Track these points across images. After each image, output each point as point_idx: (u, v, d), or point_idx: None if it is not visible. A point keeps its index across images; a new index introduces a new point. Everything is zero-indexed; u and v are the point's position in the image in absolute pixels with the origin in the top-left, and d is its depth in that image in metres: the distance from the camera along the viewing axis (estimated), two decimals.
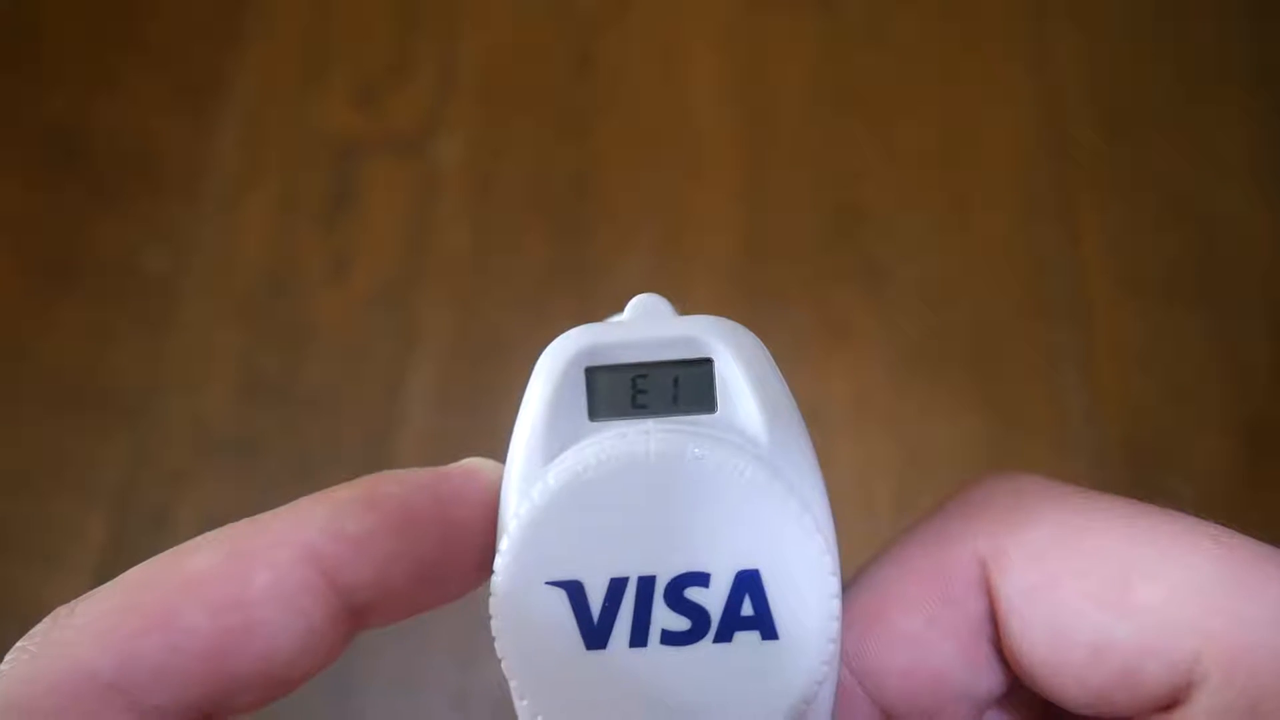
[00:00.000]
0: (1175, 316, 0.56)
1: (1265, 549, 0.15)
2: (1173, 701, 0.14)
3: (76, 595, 0.15)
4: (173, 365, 0.56)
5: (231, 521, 0.15)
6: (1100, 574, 0.15)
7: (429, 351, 0.56)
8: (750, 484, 0.15)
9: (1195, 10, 0.63)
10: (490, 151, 0.61)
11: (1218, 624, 0.14)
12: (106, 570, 0.51)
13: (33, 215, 0.60)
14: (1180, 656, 0.14)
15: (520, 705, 0.15)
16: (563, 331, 0.16)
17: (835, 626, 0.15)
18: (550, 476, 0.15)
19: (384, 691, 0.49)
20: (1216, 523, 0.15)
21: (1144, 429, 0.54)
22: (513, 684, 0.15)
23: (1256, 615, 0.14)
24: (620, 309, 0.17)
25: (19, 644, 0.14)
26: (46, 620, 0.14)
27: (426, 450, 0.54)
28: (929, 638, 0.16)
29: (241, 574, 0.14)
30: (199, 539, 0.15)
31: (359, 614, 0.15)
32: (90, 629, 0.14)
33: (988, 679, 0.16)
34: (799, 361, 0.56)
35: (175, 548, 0.15)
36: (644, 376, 0.16)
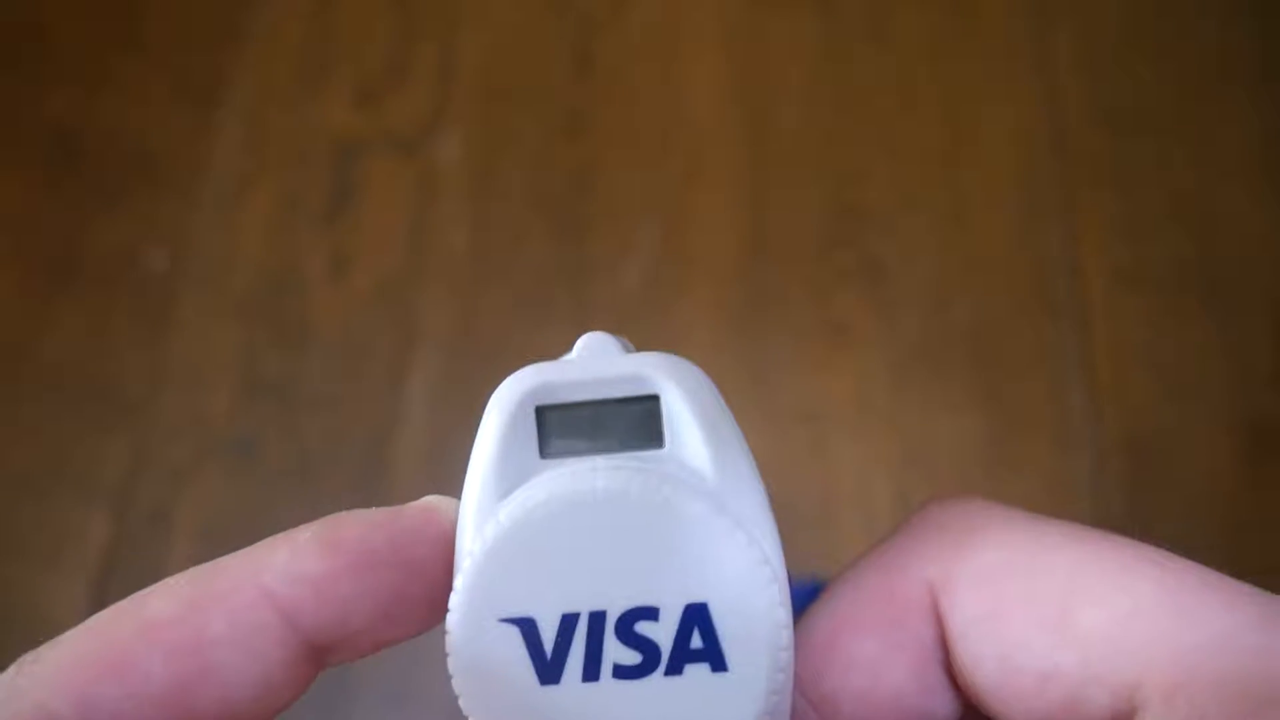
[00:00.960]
0: (1175, 316, 0.56)
1: (1209, 575, 0.15)
2: None
3: (76, 596, 0.15)
4: (173, 365, 0.56)
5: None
6: (1045, 600, 0.15)
7: (429, 351, 0.56)
8: (696, 518, 0.15)
9: (1196, 9, 0.63)
10: (490, 151, 0.61)
11: (1159, 651, 0.14)
12: (106, 570, 0.51)
13: (33, 215, 0.60)
14: (1123, 683, 0.14)
15: None
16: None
17: (784, 656, 0.15)
18: (501, 514, 0.15)
19: (376, 704, 0.49)
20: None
21: (1144, 429, 0.54)
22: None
23: (1197, 642, 0.14)
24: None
25: None
26: (12, 667, 0.15)
27: (426, 450, 0.54)
28: (883, 662, 0.16)
29: (199, 618, 0.14)
30: (161, 583, 0.15)
31: (320, 653, 0.15)
32: (50, 675, 0.14)
33: (942, 702, 0.16)
34: (799, 361, 0.56)
35: (138, 593, 0.15)
36: (592, 414, 0.16)
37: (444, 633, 0.15)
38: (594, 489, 0.15)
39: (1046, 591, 0.15)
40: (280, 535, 0.15)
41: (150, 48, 0.64)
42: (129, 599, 0.15)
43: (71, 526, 0.52)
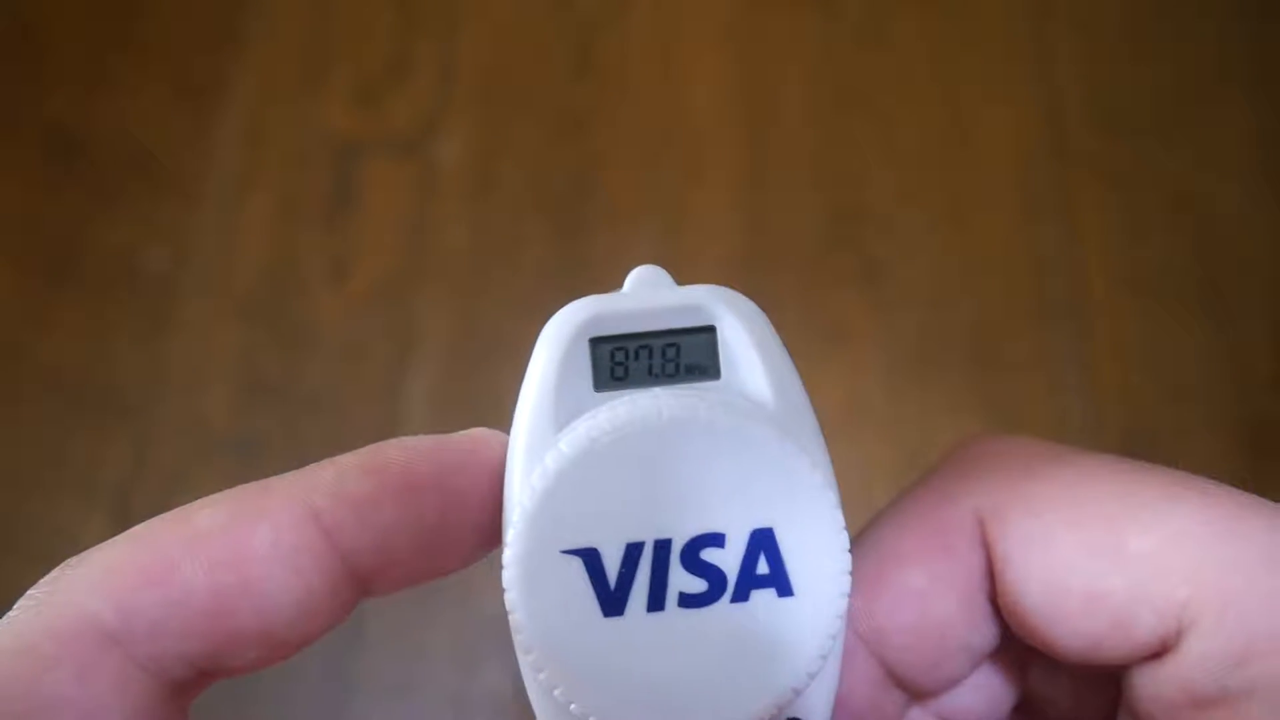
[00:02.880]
0: (1175, 316, 0.56)
1: (1250, 498, 0.15)
2: (1162, 648, 0.15)
3: None
4: (173, 365, 0.56)
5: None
6: (1094, 526, 0.15)
7: (429, 351, 0.56)
8: (761, 444, 0.15)
9: (1195, 10, 0.63)
10: (490, 151, 0.61)
11: (1207, 571, 0.14)
12: None
13: (33, 215, 0.60)
14: (1171, 603, 0.14)
15: (537, 679, 0.15)
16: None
17: (847, 581, 0.15)
18: (563, 444, 0.15)
19: (383, 696, 0.49)
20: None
21: (1144, 429, 0.54)
22: (529, 658, 0.15)
23: (1245, 560, 0.14)
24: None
25: (30, 591, 0.15)
26: (55, 570, 0.15)
27: None
28: (932, 593, 0.16)
29: (243, 532, 0.14)
30: (208, 498, 0.15)
31: (360, 580, 0.15)
32: (94, 580, 0.14)
33: (985, 631, 0.17)
34: (798, 361, 0.55)
35: (185, 505, 0.15)
36: (647, 346, 0.16)
37: (499, 567, 0.15)
38: (659, 416, 0.15)
39: (1094, 518, 0.15)
40: (326, 460, 0.15)
41: (150, 48, 0.64)
42: (174, 511, 0.15)
43: (71, 526, 0.52)
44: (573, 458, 0.15)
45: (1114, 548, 0.15)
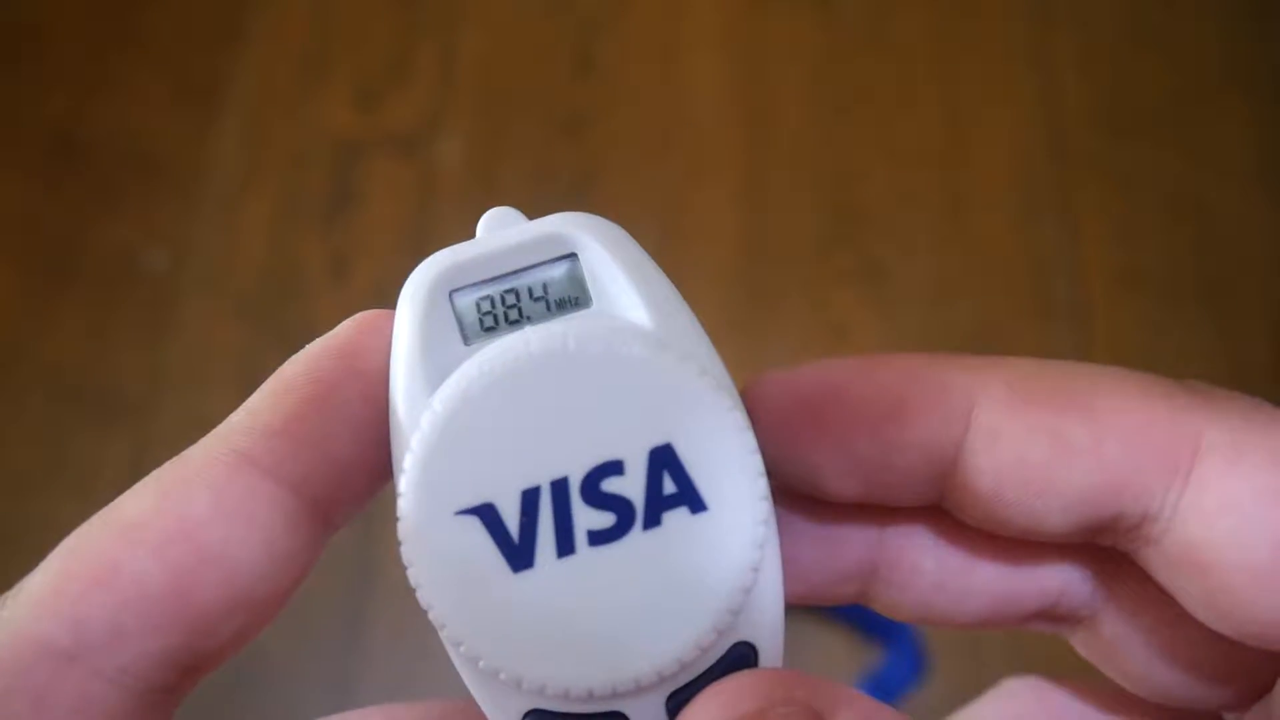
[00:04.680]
0: (1175, 316, 0.56)
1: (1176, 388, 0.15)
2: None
3: None
4: (173, 365, 0.56)
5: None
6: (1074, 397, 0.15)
7: None
8: (640, 360, 0.14)
9: (1195, 10, 0.63)
10: (490, 151, 0.61)
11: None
12: None
13: (33, 215, 0.60)
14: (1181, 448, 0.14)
15: (442, 634, 0.14)
16: None
17: (763, 484, 0.14)
18: (436, 403, 0.14)
19: (384, 696, 0.49)
20: None
21: None
22: (431, 614, 0.14)
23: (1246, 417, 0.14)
24: None
25: None
26: None
27: None
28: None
29: (179, 502, 0.13)
30: (130, 490, 0.14)
31: (319, 510, 0.14)
32: (33, 600, 0.13)
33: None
34: (798, 361, 0.55)
35: (108, 506, 0.14)
36: (512, 290, 0.15)
37: (394, 525, 0.14)
38: (529, 353, 0.14)
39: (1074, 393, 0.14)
40: (235, 412, 0.14)
41: (150, 48, 0.64)
42: (98, 513, 0.14)
43: (72, 527, 0.52)
44: (448, 415, 0.14)
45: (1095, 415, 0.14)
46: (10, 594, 0.14)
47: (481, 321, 0.15)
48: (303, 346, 0.15)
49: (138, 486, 0.14)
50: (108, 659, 0.13)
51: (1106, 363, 0.16)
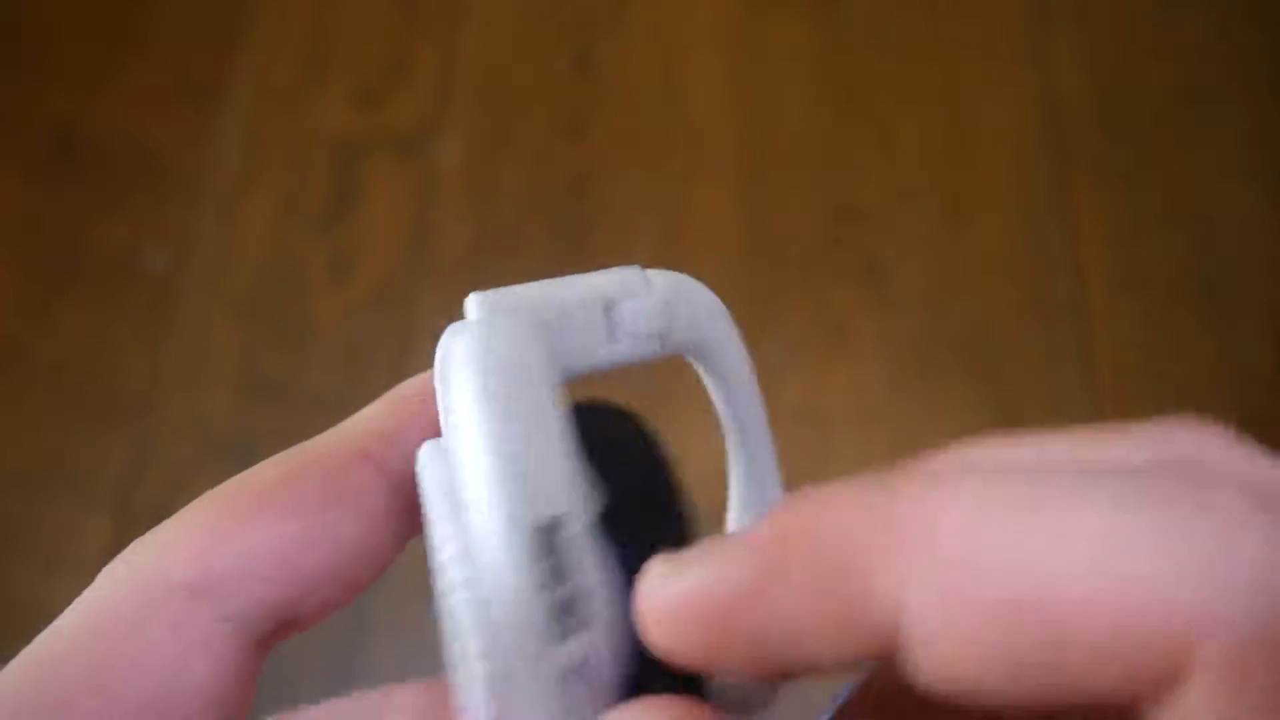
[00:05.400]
0: (1175, 316, 0.56)
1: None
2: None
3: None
4: (173, 365, 0.56)
5: None
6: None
7: (429, 352, 0.56)
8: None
9: (1196, 10, 0.63)
10: (490, 151, 0.61)
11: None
12: None
13: (33, 215, 0.60)
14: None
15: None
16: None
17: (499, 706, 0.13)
18: None
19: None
20: None
21: None
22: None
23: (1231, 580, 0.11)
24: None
25: (108, 566, 0.16)
26: (134, 544, 0.16)
27: None
28: None
29: (304, 483, 0.16)
30: (267, 461, 0.17)
31: (412, 511, 0.16)
32: (169, 543, 0.15)
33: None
34: (798, 361, 0.56)
35: (248, 470, 0.16)
36: None
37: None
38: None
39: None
40: (361, 411, 0.17)
41: (150, 48, 0.64)
42: (241, 474, 0.16)
43: (71, 526, 0.52)
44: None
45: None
46: (143, 539, 0.16)
47: None
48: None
49: (265, 464, 0.16)
50: (230, 603, 0.15)
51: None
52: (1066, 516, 0.11)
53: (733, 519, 0.18)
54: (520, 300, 0.16)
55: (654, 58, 0.63)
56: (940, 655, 0.12)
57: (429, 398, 0.16)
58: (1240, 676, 0.11)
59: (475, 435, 0.14)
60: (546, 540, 0.13)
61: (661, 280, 0.16)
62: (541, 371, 0.14)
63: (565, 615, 0.13)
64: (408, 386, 0.17)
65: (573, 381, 0.16)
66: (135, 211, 0.60)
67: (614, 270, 0.16)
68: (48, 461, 0.54)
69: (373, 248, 0.59)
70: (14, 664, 0.15)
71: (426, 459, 0.15)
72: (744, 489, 0.18)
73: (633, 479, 0.16)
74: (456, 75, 0.63)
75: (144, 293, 0.58)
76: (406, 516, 0.16)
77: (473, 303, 0.15)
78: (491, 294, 0.15)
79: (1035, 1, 0.63)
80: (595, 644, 0.13)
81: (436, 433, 0.16)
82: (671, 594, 0.13)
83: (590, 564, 0.13)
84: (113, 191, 0.60)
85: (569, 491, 0.13)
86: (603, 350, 0.16)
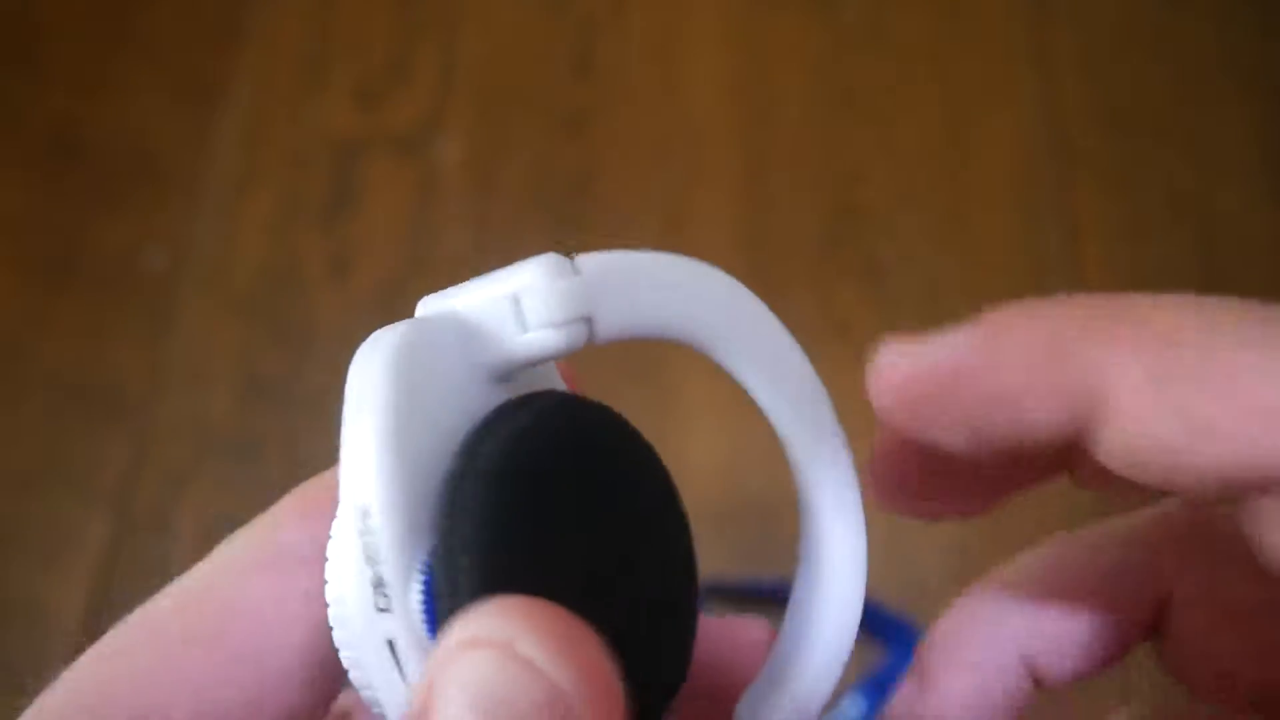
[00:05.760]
0: None
1: None
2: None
3: (76, 596, 0.15)
4: (173, 365, 0.56)
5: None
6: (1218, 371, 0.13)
7: None
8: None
9: (1195, 10, 0.63)
10: (490, 151, 0.61)
11: None
12: (106, 570, 0.51)
13: (33, 215, 0.60)
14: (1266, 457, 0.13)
15: None
16: None
17: (345, 653, 0.14)
18: None
19: None
20: None
21: None
22: None
23: None
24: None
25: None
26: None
27: None
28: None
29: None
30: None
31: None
32: (274, 522, 0.16)
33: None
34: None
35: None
36: None
37: None
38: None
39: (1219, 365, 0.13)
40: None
41: (150, 48, 0.64)
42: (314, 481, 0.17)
43: (71, 526, 0.52)
44: None
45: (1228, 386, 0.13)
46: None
47: None
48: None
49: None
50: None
51: None
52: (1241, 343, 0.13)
53: (806, 535, 0.18)
54: (445, 299, 0.16)
55: (654, 58, 0.63)
56: (1131, 427, 0.13)
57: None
58: None
59: (350, 416, 0.16)
60: (362, 523, 0.14)
61: (591, 263, 0.15)
62: (427, 369, 0.15)
63: (378, 593, 0.14)
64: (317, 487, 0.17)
65: (509, 379, 0.16)
66: (135, 211, 0.60)
67: (535, 259, 0.15)
68: (47, 461, 0.54)
69: (373, 247, 0.59)
70: (132, 616, 0.15)
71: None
72: (807, 494, 0.18)
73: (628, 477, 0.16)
74: (456, 75, 0.63)
75: (144, 293, 0.58)
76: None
77: (419, 306, 0.16)
78: (434, 296, 0.16)
79: (1035, 2, 0.63)
80: (395, 631, 0.14)
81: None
82: (909, 365, 0.15)
83: (392, 560, 0.14)
84: (113, 191, 0.60)
85: (378, 487, 0.14)
86: (518, 342, 0.15)
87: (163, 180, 0.60)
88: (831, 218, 0.59)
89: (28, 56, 0.64)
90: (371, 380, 0.16)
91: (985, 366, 0.14)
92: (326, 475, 0.16)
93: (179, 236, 0.59)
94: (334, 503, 0.15)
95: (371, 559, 0.14)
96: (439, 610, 0.14)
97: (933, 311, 0.57)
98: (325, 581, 0.14)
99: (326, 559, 0.14)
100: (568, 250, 0.15)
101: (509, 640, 0.12)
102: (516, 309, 0.15)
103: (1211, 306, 0.14)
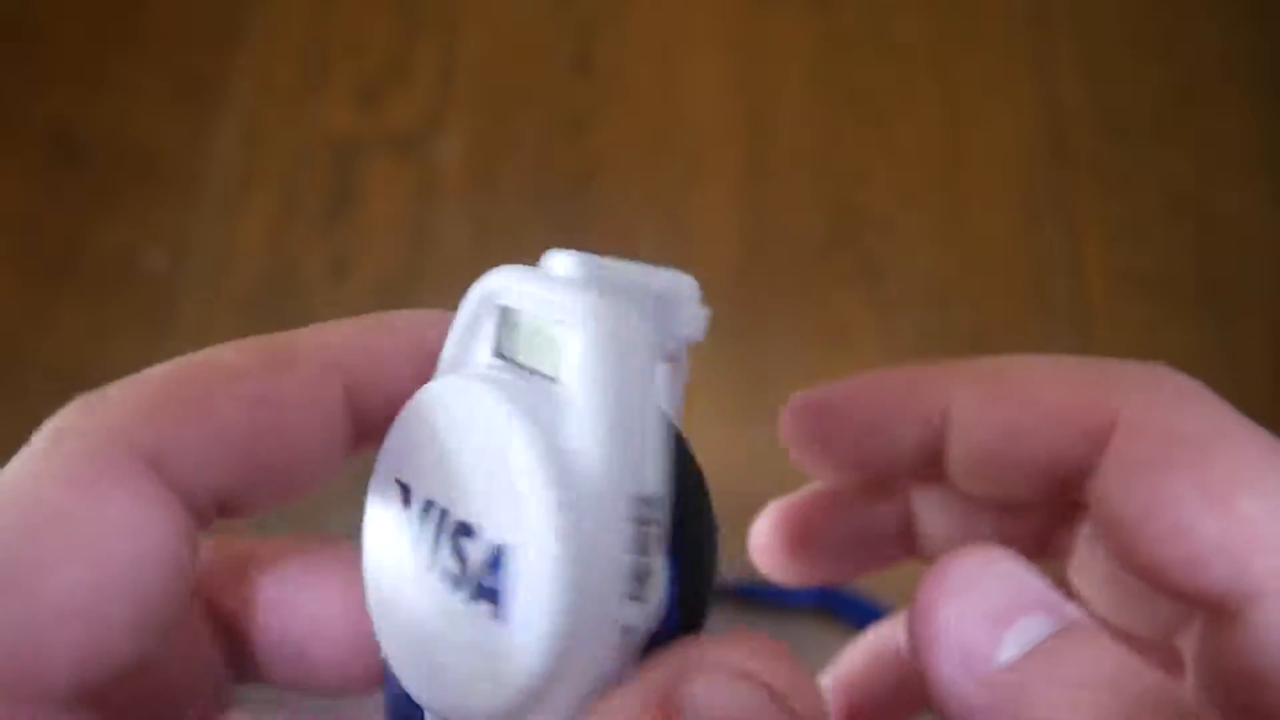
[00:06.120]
0: (1175, 316, 0.56)
1: None
2: (1221, 606, 0.15)
3: None
4: None
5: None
6: (1212, 478, 0.15)
7: None
8: (525, 450, 0.13)
9: (1196, 10, 0.63)
10: (490, 151, 0.61)
11: None
12: None
13: (33, 215, 0.60)
14: (1251, 564, 0.15)
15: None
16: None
17: (572, 621, 0.13)
18: (422, 390, 0.15)
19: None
20: None
21: None
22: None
23: None
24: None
25: (64, 414, 0.16)
26: (72, 406, 0.16)
27: None
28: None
29: (276, 377, 0.16)
30: (231, 344, 0.16)
31: (367, 434, 0.16)
32: (132, 407, 0.15)
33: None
34: (798, 361, 0.55)
35: (211, 347, 0.16)
36: (531, 328, 0.16)
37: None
38: (465, 386, 0.14)
39: (1219, 469, 0.15)
40: (344, 319, 0.17)
41: (150, 48, 0.64)
42: (202, 351, 0.16)
43: None
44: (416, 400, 0.15)
45: (1222, 499, 0.15)
46: (95, 397, 0.16)
47: (509, 342, 0.16)
48: None
49: (241, 342, 0.16)
50: (179, 477, 0.15)
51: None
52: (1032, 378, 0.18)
53: None
54: (615, 275, 0.16)
55: (654, 58, 0.63)
56: (966, 434, 0.17)
57: (420, 340, 0.16)
58: None
59: (603, 392, 0.14)
60: (641, 511, 0.14)
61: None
62: (650, 354, 0.15)
63: (636, 583, 0.14)
64: (399, 318, 0.16)
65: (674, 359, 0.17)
66: (135, 211, 0.60)
67: (677, 272, 0.17)
68: None
69: (373, 248, 0.59)
70: None
71: (514, 390, 0.14)
72: None
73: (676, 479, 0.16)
74: (456, 75, 0.63)
75: (144, 293, 0.58)
76: (359, 440, 0.16)
77: (570, 262, 0.15)
78: (583, 258, 0.16)
79: (1035, 2, 0.63)
80: (646, 619, 0.14)
81: (417, 375, 0.16)
82: (809, 399, 0.19)
83: (658, 550, 0.14)
84: (113, 191, 0.60)
85: (661, 476, 0.14)
86: (695, 325, 0.17)
87: (163, 180, 0.60)
88: (831, 218, 0.59)
89: (28, 56, 0.64)
90: (632, 349, 0.14)
91: (866, 399, 0.18)
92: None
93: (179, 236, 0.59)
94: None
95: (643, 549, 0.14)
96: (680, 613, 0.14)
97: (933, 311, 0.57)
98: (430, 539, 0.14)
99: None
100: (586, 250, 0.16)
101: (760, 673, 0.13)
102: (671, 315, 0.16)
103: (1028, 357, 0.18)
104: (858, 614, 0.49)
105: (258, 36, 0.64)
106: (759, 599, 0.50)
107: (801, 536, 0.21)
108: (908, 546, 0.20)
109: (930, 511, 0.20)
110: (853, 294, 0.57)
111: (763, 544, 0.21)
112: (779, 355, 0.55)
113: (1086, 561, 0.18)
